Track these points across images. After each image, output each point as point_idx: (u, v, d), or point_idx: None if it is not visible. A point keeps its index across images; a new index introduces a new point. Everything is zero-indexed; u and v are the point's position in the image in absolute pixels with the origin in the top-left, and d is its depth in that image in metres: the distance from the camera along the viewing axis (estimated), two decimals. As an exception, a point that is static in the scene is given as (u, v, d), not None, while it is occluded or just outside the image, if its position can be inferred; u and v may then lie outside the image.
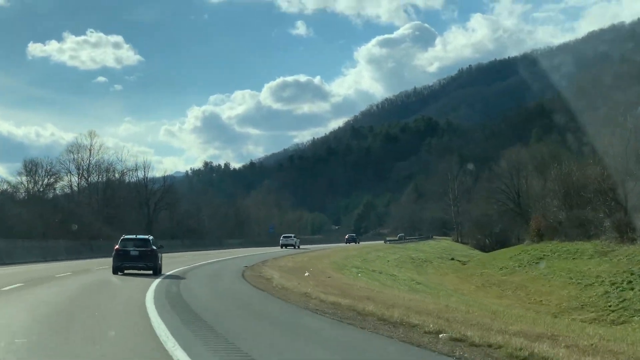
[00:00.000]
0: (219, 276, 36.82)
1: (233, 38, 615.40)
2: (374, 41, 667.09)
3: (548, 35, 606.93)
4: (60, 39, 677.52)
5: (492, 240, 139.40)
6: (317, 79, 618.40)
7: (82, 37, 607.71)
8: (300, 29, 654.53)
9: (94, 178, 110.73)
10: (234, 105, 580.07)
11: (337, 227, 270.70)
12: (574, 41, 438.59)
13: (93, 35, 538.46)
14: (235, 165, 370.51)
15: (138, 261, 36.16)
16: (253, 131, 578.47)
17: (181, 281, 31.93)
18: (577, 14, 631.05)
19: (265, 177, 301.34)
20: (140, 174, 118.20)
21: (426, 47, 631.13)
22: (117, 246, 36.68)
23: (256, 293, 27.05)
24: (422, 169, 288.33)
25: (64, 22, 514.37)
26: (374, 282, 44.85)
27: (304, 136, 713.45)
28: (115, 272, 35.97)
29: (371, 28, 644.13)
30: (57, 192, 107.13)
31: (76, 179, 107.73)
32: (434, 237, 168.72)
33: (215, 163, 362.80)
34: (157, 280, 31.36)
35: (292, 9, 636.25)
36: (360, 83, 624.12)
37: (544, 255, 61.77)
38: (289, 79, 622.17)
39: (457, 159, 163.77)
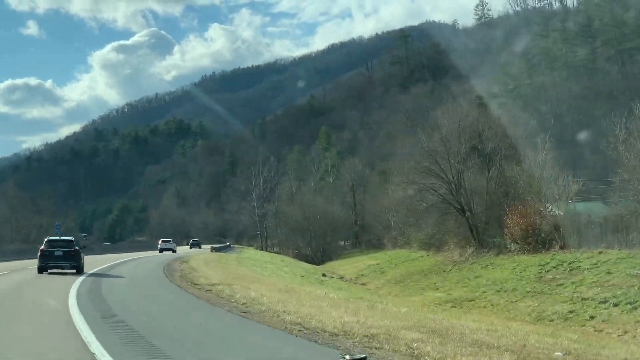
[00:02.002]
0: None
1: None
2: (109, 47, 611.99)
3: (285, 49, 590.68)
4: None
5: (317, 248, 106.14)
6: (48, 83, 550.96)
7: None
8: (32, 29, 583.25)
9: None
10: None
11: (84, 235, 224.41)
12: (315, 52, 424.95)
13: None
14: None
15: (62, 261, 35.55)
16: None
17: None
18: (312, 30, 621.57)
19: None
20: None
21: (164, 55, 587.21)
22: (42, 247, 36.16)
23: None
24: (179, 172, 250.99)
25: None
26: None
27: (34, 141, 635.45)
28: (40, 271, 35.18)
29: (107, 32, 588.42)
30: None
31: None
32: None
33: None
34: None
35: (22, 7, 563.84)
36: (95, 89, 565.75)
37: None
38: (18, 81, 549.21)
39: (260, 157, 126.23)
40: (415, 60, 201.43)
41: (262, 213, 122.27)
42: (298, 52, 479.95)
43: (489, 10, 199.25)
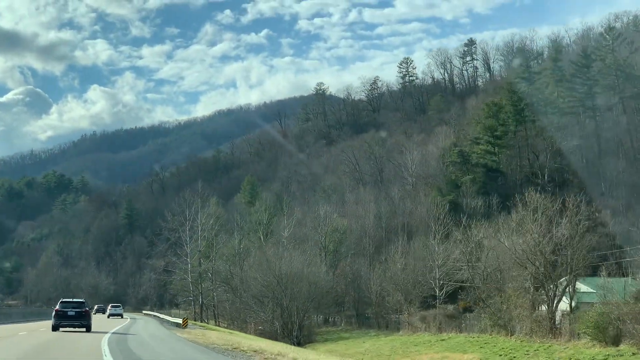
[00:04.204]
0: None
1: None
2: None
3: (166, 115, 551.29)
4: None
5: (292, 324, 71.71)
6: None
7: None
8: None
9: None
10: None
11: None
12: (201, 118, 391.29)
13: None
14: None
15: (75, 320, 36.99)
16: None
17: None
18: (195, 98, 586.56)
19: None
20: None
21: (40, 114, 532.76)
22: (56, 307, 38.05)
23: None
24: (61, 228, 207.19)
25: None
26: None
27: None
28: (54, 329, 37.01)
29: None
30: None
31: None
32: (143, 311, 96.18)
33: None
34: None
35: None
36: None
37: None
38: None
39: (198, 200, 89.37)
40: (336, 115, 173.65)
41: (196, 273, 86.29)
42: (181, 118, 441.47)
43: (413, 68, 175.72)
